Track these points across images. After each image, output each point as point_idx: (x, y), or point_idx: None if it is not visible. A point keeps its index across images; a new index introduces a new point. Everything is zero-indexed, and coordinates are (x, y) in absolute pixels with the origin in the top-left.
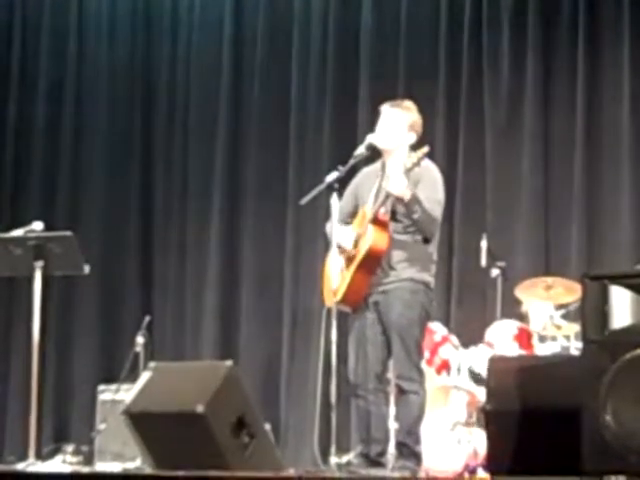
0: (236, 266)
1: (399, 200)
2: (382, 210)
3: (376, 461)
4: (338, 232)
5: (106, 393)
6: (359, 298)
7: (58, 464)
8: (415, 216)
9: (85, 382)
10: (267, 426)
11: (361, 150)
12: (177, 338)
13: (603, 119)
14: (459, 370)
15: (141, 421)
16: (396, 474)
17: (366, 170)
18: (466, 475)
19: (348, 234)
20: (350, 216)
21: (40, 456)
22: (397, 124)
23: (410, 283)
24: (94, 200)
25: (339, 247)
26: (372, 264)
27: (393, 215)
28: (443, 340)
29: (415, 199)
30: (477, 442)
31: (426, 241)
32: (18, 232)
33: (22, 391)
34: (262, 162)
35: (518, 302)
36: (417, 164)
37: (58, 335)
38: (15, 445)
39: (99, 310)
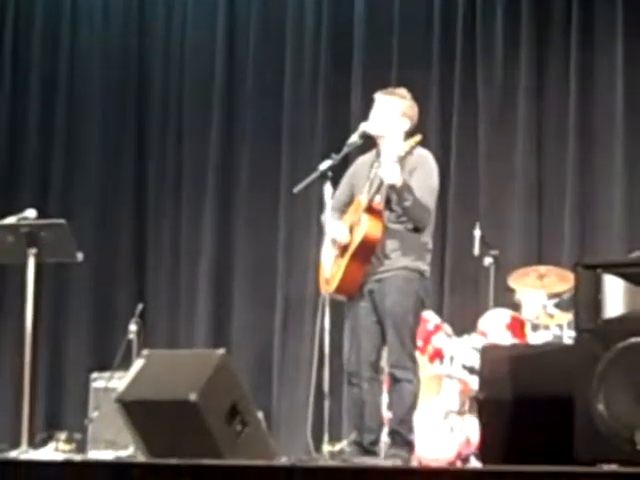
0: (229, 254)
1: (392, 188)
2: (377, 198)
3: (369, 450)
4: (332, 227)
5: (99, 381)
6: (354, 287)
7: (51, 452)
8: (406, 204)
9: (78, 370)
10: (260, 414)
11: (354, 139)
12: (170, 326)
13: (596, 108)
14: (452, 359)
15: (134, 409)
16: (389, 462)
17: (361, 159)
18: (459, 463)
19: (341, 229)
20: (346, 205)
21: (33, 444)
22: (390, 111)
23: (405, 272)
24: (87, 188)
25: (334, 242)
26: (367, 253)
27: (387, 204)
28: (436, 329)
29: (407, 187)
30: (470, 430)
31: (417, 230)
32: (11, 220)
33: (14, 379)
34: (255, 151)
35: (511, 291)
36: (409, 152)
37: (51, 322)
38: (7, 433)
39: (92, 297)
